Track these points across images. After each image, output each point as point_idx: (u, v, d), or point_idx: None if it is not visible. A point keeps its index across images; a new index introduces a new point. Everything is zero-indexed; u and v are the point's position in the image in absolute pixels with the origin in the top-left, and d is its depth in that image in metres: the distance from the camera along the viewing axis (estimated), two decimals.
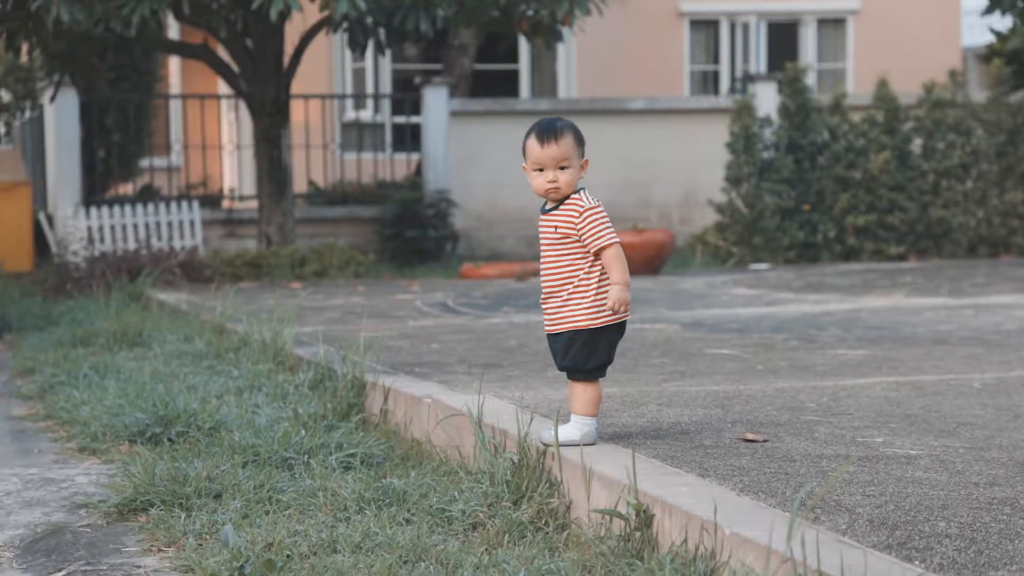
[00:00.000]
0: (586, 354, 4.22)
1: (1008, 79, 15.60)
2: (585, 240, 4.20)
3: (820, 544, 2.92)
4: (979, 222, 15.23)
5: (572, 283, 4.23)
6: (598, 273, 4.22)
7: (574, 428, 4.22)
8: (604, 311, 4.21)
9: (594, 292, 4.22)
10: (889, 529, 3.19)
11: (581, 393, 4.25)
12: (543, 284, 4.30)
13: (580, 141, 4.27)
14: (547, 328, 4.30)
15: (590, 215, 4.20)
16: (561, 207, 4.25)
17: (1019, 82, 16.25)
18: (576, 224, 4.21)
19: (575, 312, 4.22)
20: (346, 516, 4.19)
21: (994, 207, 15.23)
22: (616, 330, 4.26)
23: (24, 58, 17.57)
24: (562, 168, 4.23)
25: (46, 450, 5.71)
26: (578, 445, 4.13)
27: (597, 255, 4.20)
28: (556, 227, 4.24)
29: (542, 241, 4.30)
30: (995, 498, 3.51)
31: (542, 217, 4.28)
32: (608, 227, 4.20)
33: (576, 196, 4.24)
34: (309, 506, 4.31)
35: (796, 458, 4.04)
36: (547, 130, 4.25)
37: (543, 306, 4.30)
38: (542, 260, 4.31)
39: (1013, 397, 5.22)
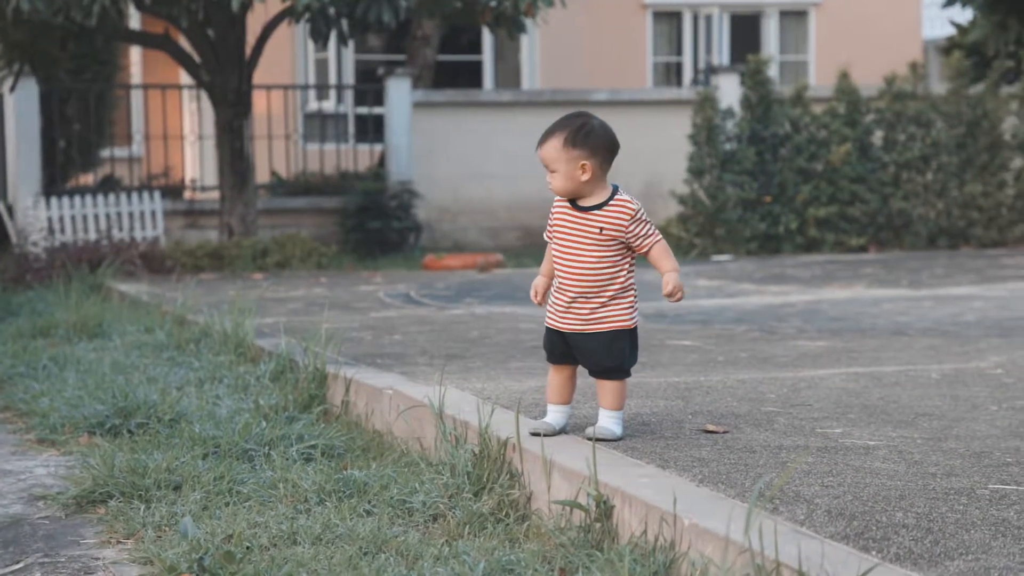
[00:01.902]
0: (627, 352, 4.24)
1: (968, 71, 15.69)
2: (635, 243, 4.21)
3: (778, 534, 2.93)
4: (939, 214, 15.33)
5: (614, 283, 4.22)
6: (633, 272, 4.26)
7: (615, 423, 4.24)
8: (635, 310, 4.26)
9: (634, 292, 4.28)
10: (847, 519, 3.21)
11: (619, 390, 4.25)
12: (576, 283, 4.21)
13: (574, 142, 4.15)
14: (578, 328, 4.21)
15: (641, 218, 4.21)
16: (606, 208, 4.19)
17: (979, 74, 16.35)
18: (627, 228, 4.19)
19: (619, 312, 4.22)
20: (306, 508, 4.18)
21: (954, 199, 15.32)
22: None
23: None
24: (553, 172, 4.21)
25: (4, 441, 5.67)
26: (620, 439, 4.20)
27: (637, 251, 4.22)
28: (601, 228, 4.18)
29: (572, 238, 4.21)
30: (952, 488, 3.54)
31: (572, 213, 4.21)
32: (653, 225, 4.27)
33: (622, 200, 4.19)
34: (269, 498, 4.31)
35: (756, 449, 4.06)
36: (544, 133, 4.22)
37: (571, 305, 4.22)
38: (574, 258, 4.21)
39: (971, 388, 5.26)
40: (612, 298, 4.22)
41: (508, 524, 3.90)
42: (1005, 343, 6.67)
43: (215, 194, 15.59)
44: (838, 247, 14.99)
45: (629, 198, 4.23)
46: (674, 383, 5.43)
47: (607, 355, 4.21)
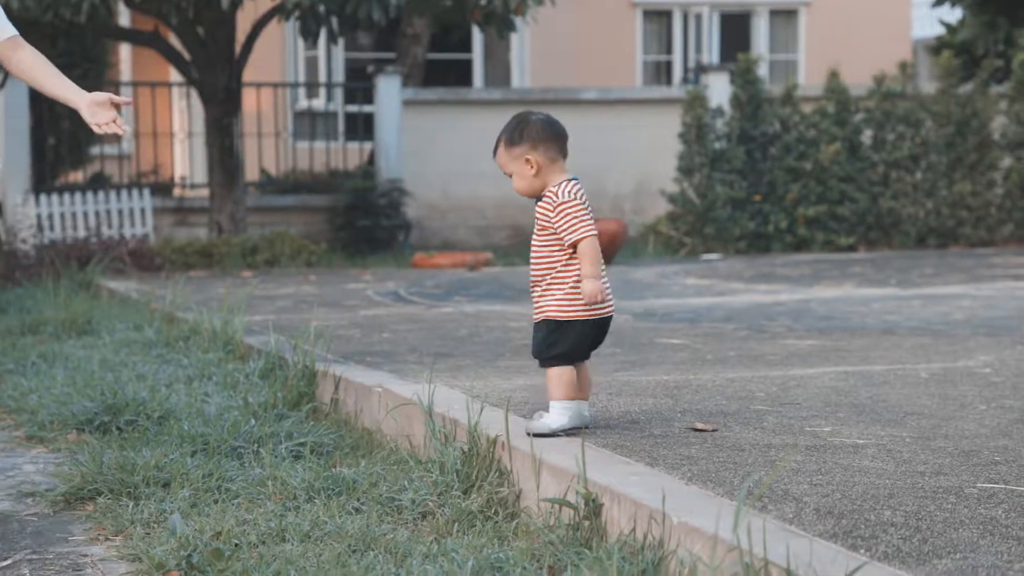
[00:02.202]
0: (550, 342, 4.23)
1: (957, 71, 15.72)
2: (560, 233, 4.20)
3: (767, 533, 2.94)
4: (928, 213, 15.36)
5: (551, 274, 4.23)
6: (577, 266, 4.23)
7: (545, 416, 4.23)
8: (578, 302, 4.21)
9: (569, 285, 4.22)
10: (835, 518, 3.22)
11: (551, 379, 4.26)
12: (530, 273, 4.31)
13: (512, 141, 4.18)
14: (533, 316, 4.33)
15: (562, 209, 4.18)
16: (542, 200, 4.23)
17: (968, 74, 16.38)
18: (551, 218, 4.21)
19: (550, 302, 4.23)
20: (295, 505, 4.18)
21: (943, 198, 15.35)
22: (593, 326, 4.25)
23: None
24: (510, 175, 4.23)
25: None
26: (559, 433, 4.15)
27: (574, 248, 4.20)
28: (536, 219, 4.25)
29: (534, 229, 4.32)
30: (940, 487, 3.55)
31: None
32: (582, 220, 4.17)
33: (552, 189, 4.21)
34: (258, 495, 4.30)
35: (744, 447, 4.07)
36: (496, 141, 4.24)
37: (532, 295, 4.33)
38: (531, 249, 4.32)
39: (959, 387, 5.27)
40: (548, 287, 4.23)
41: (497, 522, 3.90)
42: (994, 342, 6.68)
43: (205, 192, 15.57)
44: (827, 246, 15.01)
45: (561, 190, 4.19)
46: (663, 381, 5.43)
47: (534, 343, 4.25)
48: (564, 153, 4.28)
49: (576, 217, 4.18)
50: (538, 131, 4.23)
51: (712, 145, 14.97)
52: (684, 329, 7.47)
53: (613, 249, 13.59)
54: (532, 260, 4.28)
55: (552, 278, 4.24)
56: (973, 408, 4.79)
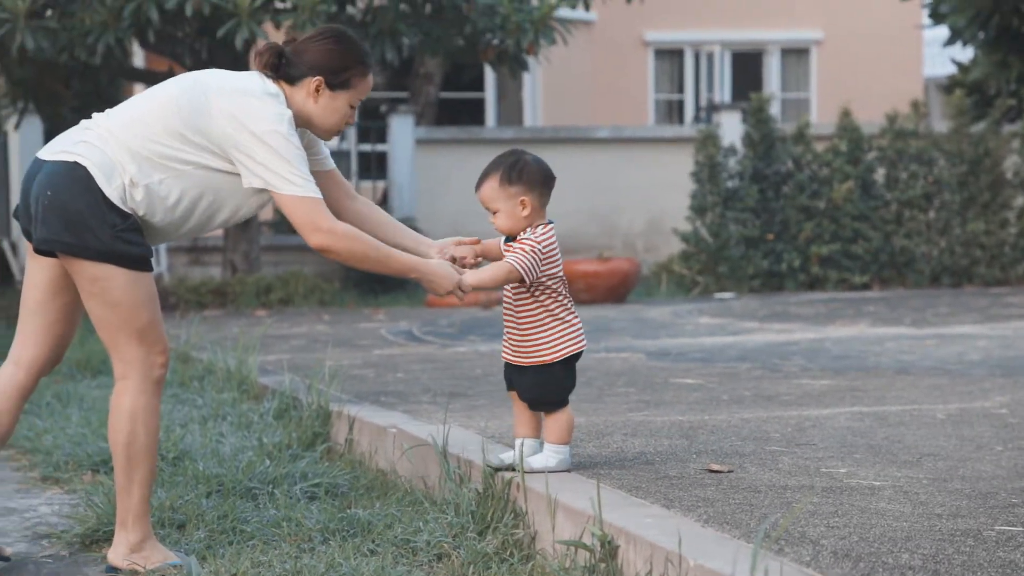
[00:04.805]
0: (567, 384, 4.27)
1: (969, 110, 15.73)
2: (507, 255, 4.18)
3: None
4: (942, 252, 15.34)
5: (543, 315, 4.23)
6: (565, 300, 4.23)
7: (557, 456, 4.26)
8: (577, 334, 4.23)
9: (564, 320, 4.24)
10: (853, 561, 3.20)
11: (562, 419, 4.27)
12: (517, 319, 4.30)
13: (509, 180, 4.18)
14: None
15: (526, 241, 4.16)
16: (514, 240, 4.22)
17: (980, 113, 16.39)
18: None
19: (554, 342, 4.23)
20: (310, 547, 4.17)
21: (956, 237, 15.33)
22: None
23: None
24: (494, 212, 4.23)
25: (8, 479, 5.66)
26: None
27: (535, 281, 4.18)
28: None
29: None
30: (958, 530, 3.53)
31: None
32: (529, 256, 4.13)
33: (531, 230, 4.21)
34: (273, 536, 4.30)
35: (760, 489, 4.06)
36: (481, 174, 4.23)
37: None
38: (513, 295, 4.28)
39: (976, 428, 5.25)
40: (543, 330, 4.24)
41: (512, 564, 3.89)
42: (1010, 383, 6.66)
43: (218, 231, 15.61)
44: (841, 285, 14.99)
45: (532, 234, 4.17)
46: (678, 421, 5.42)
47: (545, 388, 4.25)
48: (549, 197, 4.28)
49: (528, 253, 4.14)
50: (537, 174, 4.23)
51: (725, 184, 14.98)
52: (698, 368, 7.46)
53: (625, 288, 13.60)
54: (518, 306, 4.23)
55: (548, 318, 4.22)
56: (990, 449, 4.77)
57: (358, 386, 6.67)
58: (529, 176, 4.21)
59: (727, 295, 14.42)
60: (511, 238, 4.24)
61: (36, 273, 4.12)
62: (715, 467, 4.40)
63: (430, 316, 12.02)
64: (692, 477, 4.25)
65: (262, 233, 15.06)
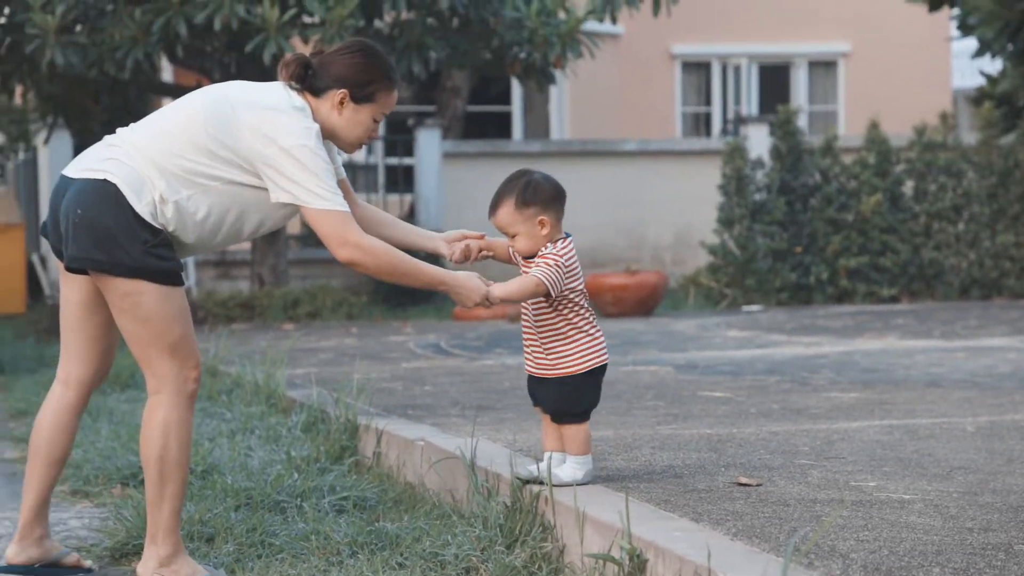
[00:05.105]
0: (592, 396, 4.27)
1: (998, 122, 15.67)
2: (532, 268, 4.18)
3: None
4: (971, 264, 15.27)
5: (566, 328, 4.23)
6: (588, 314, 4.23)
7: (579, 469, 4.25)
8: (600, 347, 4.22)
9: (587, 333, 4.23)
10: (883, 575, 3.19)
11: (582, 432, 4.27)
12: (537, 331, 4.29)
13: (525, 201, 4.17)
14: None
15: (549, 255, 4.17)
16: (534, 257, 4.23)
17: (1009, 125, 16.32)
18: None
19: (578, 353, 4.23)
20: (339, 560, 4.18)
21: (986, 249, 15.26)
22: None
23: (18, 100, 17.61)
24: (513, 236, 4.22)
25: None
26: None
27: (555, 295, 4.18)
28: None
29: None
30: (989, 543, 3.51)
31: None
32: (552, 269, 4.13)
33: (549, 246, 4.21)
34: (302, 550, 4.30)
35: (790, 502, 4.04)
36: (492, 201, 4.23)
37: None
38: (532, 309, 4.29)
39: (1006, 441, 5.22)
40: (567, 341, 4.24)
41: None
42: None
43: (246, 245, 15.67)
44: (869, 297, 14.94)
45: (553, 248, 4.18)
46: (706, 435, 5.41)
47: (568, 399, 4.24)
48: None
49: (552, 267, 4.14)
50: (550, 192, 4.23)
51: (752, 196, 14.95)
52: (726, 382, 7.44)
53: (653, 301, 13.58)
54: (540, 320, 4.23)
55: (571, 329, 4.22)
56: (1021, 462, 4.74)
57: (386, 399, 6.68)
58: (543, 195, 4.21)
59: (755, 308, 14.38)
60: (529, 256, 4.24)
61: (70, 292, 4.13)
62: (744, 480, 4.39)
63: (458, 329, 12.03)
64: (721, 490, 4.24)
65: (290, 247, 15.10)
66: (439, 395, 6.92)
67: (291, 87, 4.12)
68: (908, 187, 15.33)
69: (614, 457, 4.83)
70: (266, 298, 13.45)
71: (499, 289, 4.19)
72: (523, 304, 4.27)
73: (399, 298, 15.03)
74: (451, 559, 4.07)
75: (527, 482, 4.23)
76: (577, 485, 4.16)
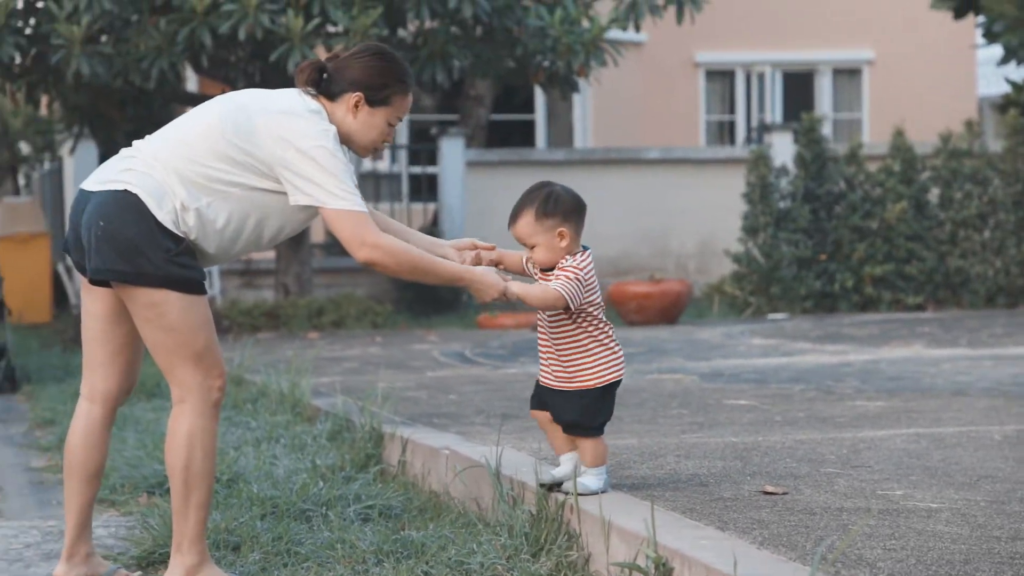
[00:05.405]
0: (608, 409, 4.28)
1: None
2: (551, 280, 4.18)
3: None
4: (997, 272, 15.21)
5: (586, 341, 4.23)
6: (606, 327, 4.24)
7: (598, 479, 4.26)
8: (618, 361, 4.22)
9: (606, 346, 4.24)
10: None
11: (600, 445, 4.28)
12: (554, 345, 4.31)
13: (545, 213, 4.17)
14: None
15: (569, 268, 4.17)
16: (553, 270, 4.22)
17: None
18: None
19: (594, 368, 4.24)
20: (364, 569, 4.18)
21: (1012, 257, 15.20)
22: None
23: (44, 111, 17.70)
24: (532, 247, 4.22)
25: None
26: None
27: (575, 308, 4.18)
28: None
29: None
30: (1017, 552, 3.49)
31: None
32: (572, 283, 4.13)
33: (568, 258, 4.20)
34: (327, 559, 4.31)
35: (816, 511, 4.03)
36: (513, 211, 4.23)
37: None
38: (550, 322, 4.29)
39: None
40: (588, 354, 4.25)
41: None
42: None
43: (271, 254, 15.69)
44: (895, 306, 14.89)
45: (575, 259, 4.18)
46: (732, 443, 5.40)
47: (584, 412, 4.24)
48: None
49: (572, 280, 4.14)
50: (571, 204, 4.23)
51: (777, 204, 14.92)
52: (751, 390, 7.42)
53: (677, 309, 13.56)
54: (558, 332, 4.22)
55: (591, 342, 4.22)
56: None
57: (411, 408, 6.68)
58: (564, 207, 4.21)
59: (779, 316, 14.35)
60: (547, 267, 4.24)
61: (93, 304, 4.13)
62: (770, 489, 4.38)
63: (482, 338, 12.03)
64: (747, 499, 4.23)
65: (314, 255, 15.13)
66: (464, 404, 6.93)
67: (307, 92, 4.13)
68: (933, 195, 15.27)
69: (639, 465, 4.82)
70: (291, 307, 13.47)
71: (518, 287, 4.18)
72: (540, 315, 4.26)
73: (423, 307, 15.04)
74: (477, 567, 4.07)
75: (551, 487, 4.23)
76: (602, 494, 4.16)
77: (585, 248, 4.25)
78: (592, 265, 4.22)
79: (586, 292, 4.18)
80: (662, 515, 3.89)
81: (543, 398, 4.31)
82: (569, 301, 4.15)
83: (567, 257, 4.20)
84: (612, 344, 4.25)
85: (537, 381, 4.34)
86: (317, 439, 6.10)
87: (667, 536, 3.65)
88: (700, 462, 4.92)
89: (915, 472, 4.70)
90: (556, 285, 4.15)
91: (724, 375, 8.32)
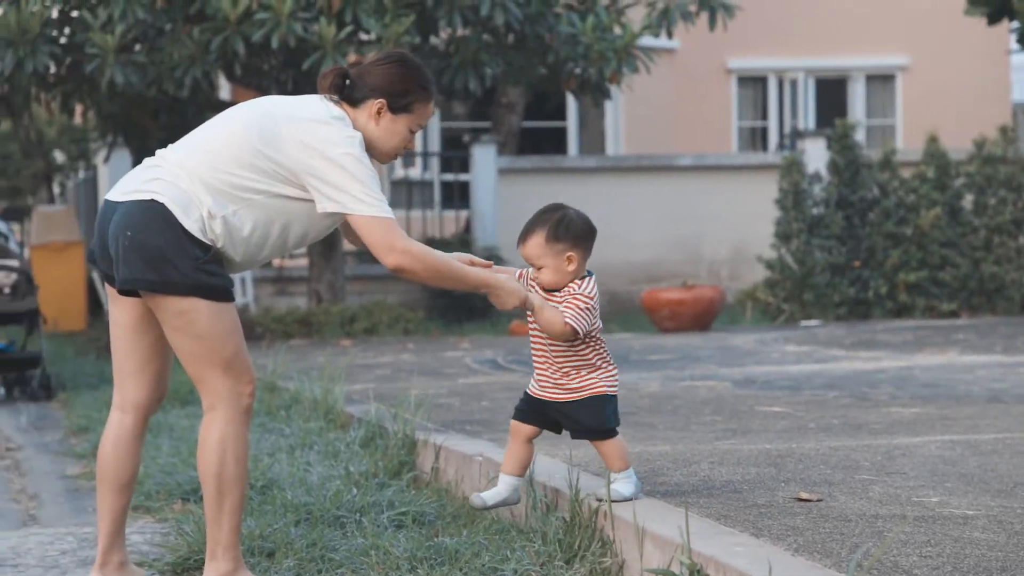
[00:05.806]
0: (616, 415, 4.30)
1: None
2: (560, 307, 4.17)
3: None
4: None
5: (594, 353, 4.25)
6: (602, 345, 4.26)
7: (629, 484, 4.27)
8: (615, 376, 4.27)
9: (608, 361, 4.28)
10: None
11: (621, 447, 4.32)
12: (552, 358, 4.31)
13: (556, 236, 4.18)
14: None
15: (577, 296, 4.18)
16: (558, 292, 4.22)
17: None
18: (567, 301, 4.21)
19: (601, 378, 4.26)
20: (399, 575, 4.18)
21: None
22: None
23: (78, 120, 17.82)
24: (539, 268, 4.22)
25: None
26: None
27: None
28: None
29: None
30: None
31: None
32: (582, 313, 4.15)
33: (576, 283, 4.21)
34: (361, 565, 4.31)
35: (851, 518, 4.01)
36: (523, 231, 4.23)
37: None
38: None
39: None
40: (597, 364, 4.28)
41: None
42: None
43: (303, 261, 15.74)
44: (929, 312, 14.82)
45: (581, 284, 4.20)
46: (765, 450, 5.38)
47: (595, 418, 4.27)
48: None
49: (582, 311, 4.15)
50: (582, 229, 4.23)
51: (810, 211, 14.88)
52: (785, 397, 7.40)
53: (710, 316, 13.53)
54: (559, 351, 4.22)
55: (596, 357, 4.23)
56: None
57: (444, 415, 6.69)
58: (575, 231, 4.21)
59: (813, 323, 14.30)
60: (552, 289, 4.24)
61: (120, 315, 4.15)
62: (804, 496, 4.36)
63: (514, 345, 12.03)
64: (781, 506, 4.22)
65: (346, 263, 15.16)
66: (496, 410, 6.93)
67: (329, 99, 4.14)
68: (967, 201, 15.20)
69: (673, 472, 4.81)
70: (323, 314, 13.51)
71: (537, 300, 4.19)
72: (537, 336, 4.25)
73: (455, 314, 15.05)
74: (510, 574, 4.07)
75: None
76: (635, 501, 4.16)
77: (589, 273, 4.26)
78: (596, 291, 4.24)
79: (593, 318, 4.20)
80: (696, 522, 3.88)
81: (543, 412, 4.28)
82: (578, 331, 4.16)
83: (576, 283, 4.20)
84: (611, 365, 4.29)
85: (528, 394, 4.31)
86: (350, 446, 6.11)
87: (701, 543, 3.64)
88: (734, 469, 4.91)
89: (951, 479, 4.68)
90: (568, 317, 4.15)
91: (757, 382, 8.30)
